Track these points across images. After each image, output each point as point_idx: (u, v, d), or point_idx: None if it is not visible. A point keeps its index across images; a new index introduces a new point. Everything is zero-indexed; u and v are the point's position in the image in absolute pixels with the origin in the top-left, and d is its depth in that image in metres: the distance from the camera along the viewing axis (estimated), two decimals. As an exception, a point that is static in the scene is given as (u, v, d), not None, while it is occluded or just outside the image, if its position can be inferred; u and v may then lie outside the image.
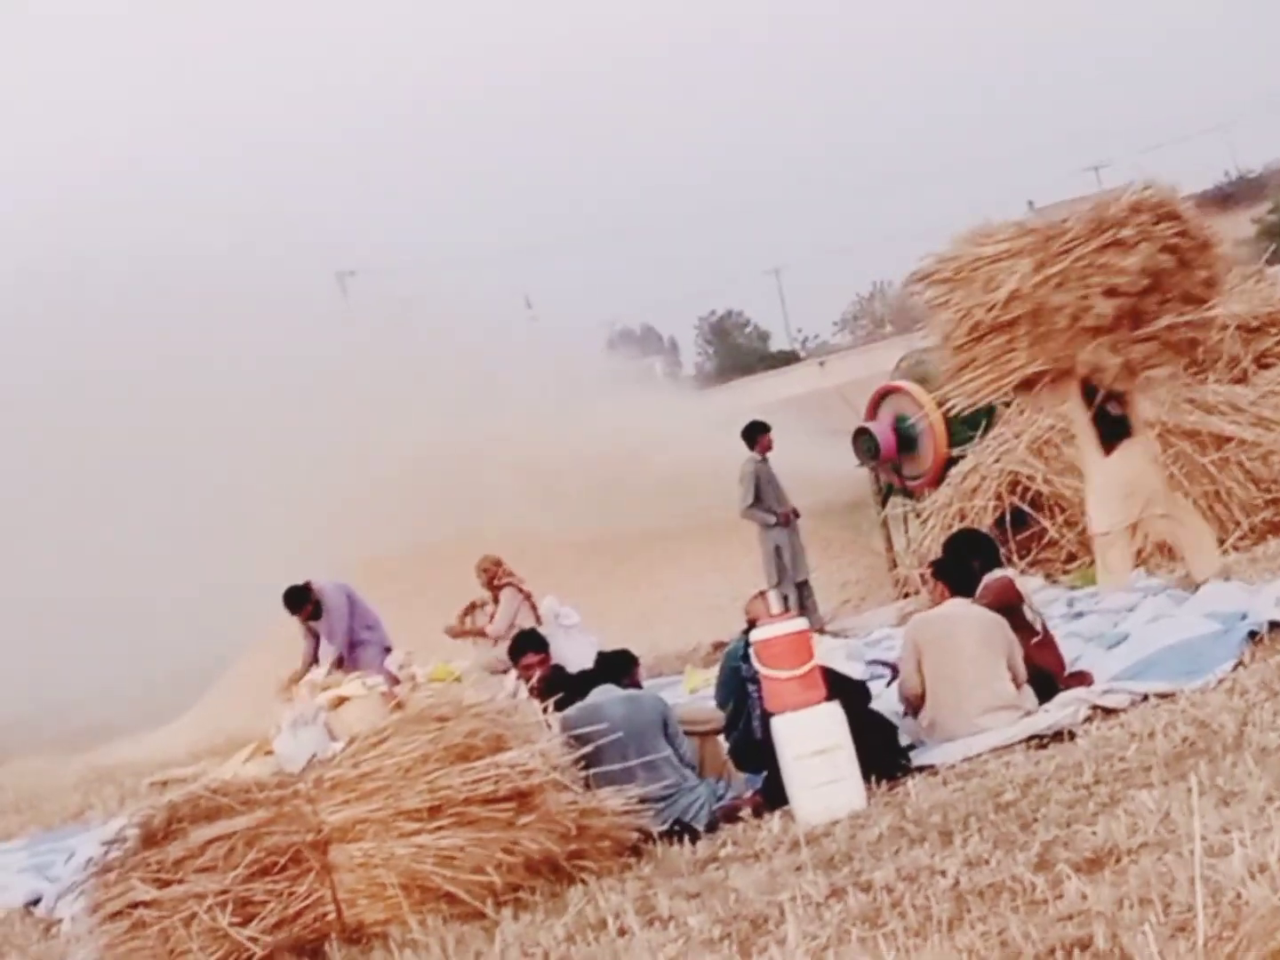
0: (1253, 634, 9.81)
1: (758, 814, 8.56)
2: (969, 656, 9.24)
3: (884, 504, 19.31)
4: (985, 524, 15.29)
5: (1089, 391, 12.65)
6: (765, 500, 16.86)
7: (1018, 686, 9.31)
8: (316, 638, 14.68)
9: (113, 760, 20.05)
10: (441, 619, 15.34)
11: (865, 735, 8.47)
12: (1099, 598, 12.73)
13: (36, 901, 10.90)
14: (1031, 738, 8.73)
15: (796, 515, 17.14)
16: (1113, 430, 12.73)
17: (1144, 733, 8.02)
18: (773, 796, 8.59)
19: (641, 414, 27.00)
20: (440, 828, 7.54)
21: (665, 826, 8.41)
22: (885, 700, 9.77)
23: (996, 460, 16.33)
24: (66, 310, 29.40)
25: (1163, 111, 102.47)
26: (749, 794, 8.89)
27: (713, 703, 9.98)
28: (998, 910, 5.58)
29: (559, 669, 10.69)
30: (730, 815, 8.65)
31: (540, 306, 42.82)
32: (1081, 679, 9.62)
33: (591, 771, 8.28)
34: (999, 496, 16.07)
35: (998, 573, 10.30)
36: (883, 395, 19.08)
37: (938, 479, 17.57)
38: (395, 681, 13.56)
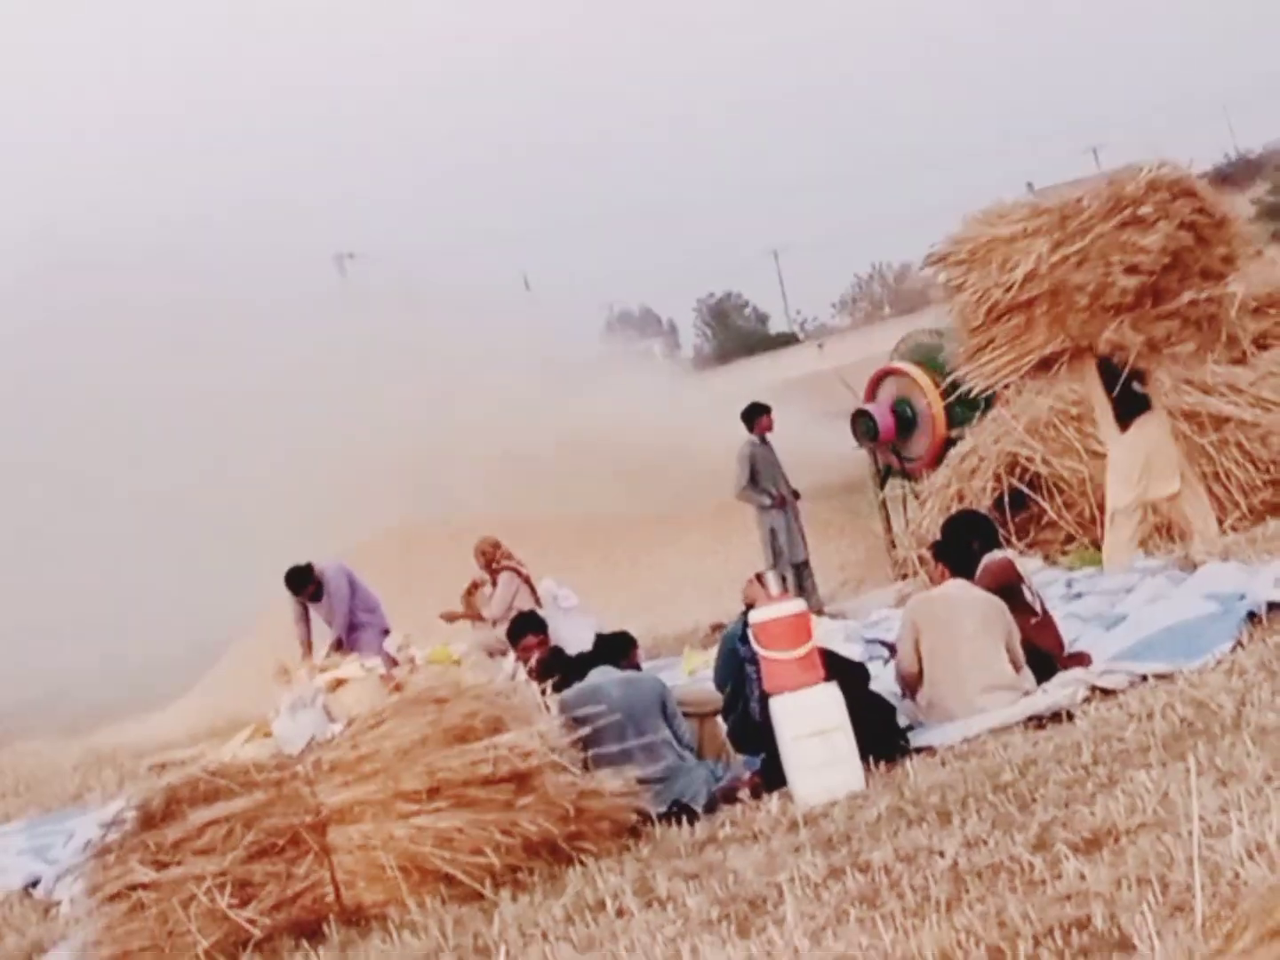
0: (1251, 615, 9.80)
1: (756, 795, 8.56)
2: (967, 637, 9.24)
3: (882, 485, 19.30)
4: (984, 505, 15.27)
5: (1107, 369, 12.66)
6: (761, 482, 16.83)
7: (1016, 670, 9.31)
8: (308, 623, 14.66)
9: (111, 743, 20.06)
10: (444, 601, 15.31)
11: (864, 716, 8.47)
12: (1097, 579, 12.73)
13: (35, 884, 10.90)
14: (1030, 718, 8.72)
15: (797, 497, 17.12)
16: (1129, 407, 12.76)
17: (1142, 713, 8.02)
18: (771, 778, 8.59)
19: (640, 396, 27.00)
20: (439, 809, 7.55)
21: (664, 808, 8.41)
22: (883, 681, 9.77)
23: (995, 441, 16.30)
24: (60, 296, 29.36)
25: (1161, 93, 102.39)
26: (747, 775, 8.88)
27: (711, 684, 9.98)
28: (996, 891, 5.58)
29: (558, 651, 10.69)
30: (729, 796, 8.65)
31: (539, 289, 42.76)
32: (1080, 660, 9.61)
33: (590, 753, 8.29)
34: (997, 478, 16.04)
35: (997, 554, 10.30)
36: (881, 377, 19.07)
37: (936, 460, 17.55)
38: (394, 664, 13.55)
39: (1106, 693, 8.89)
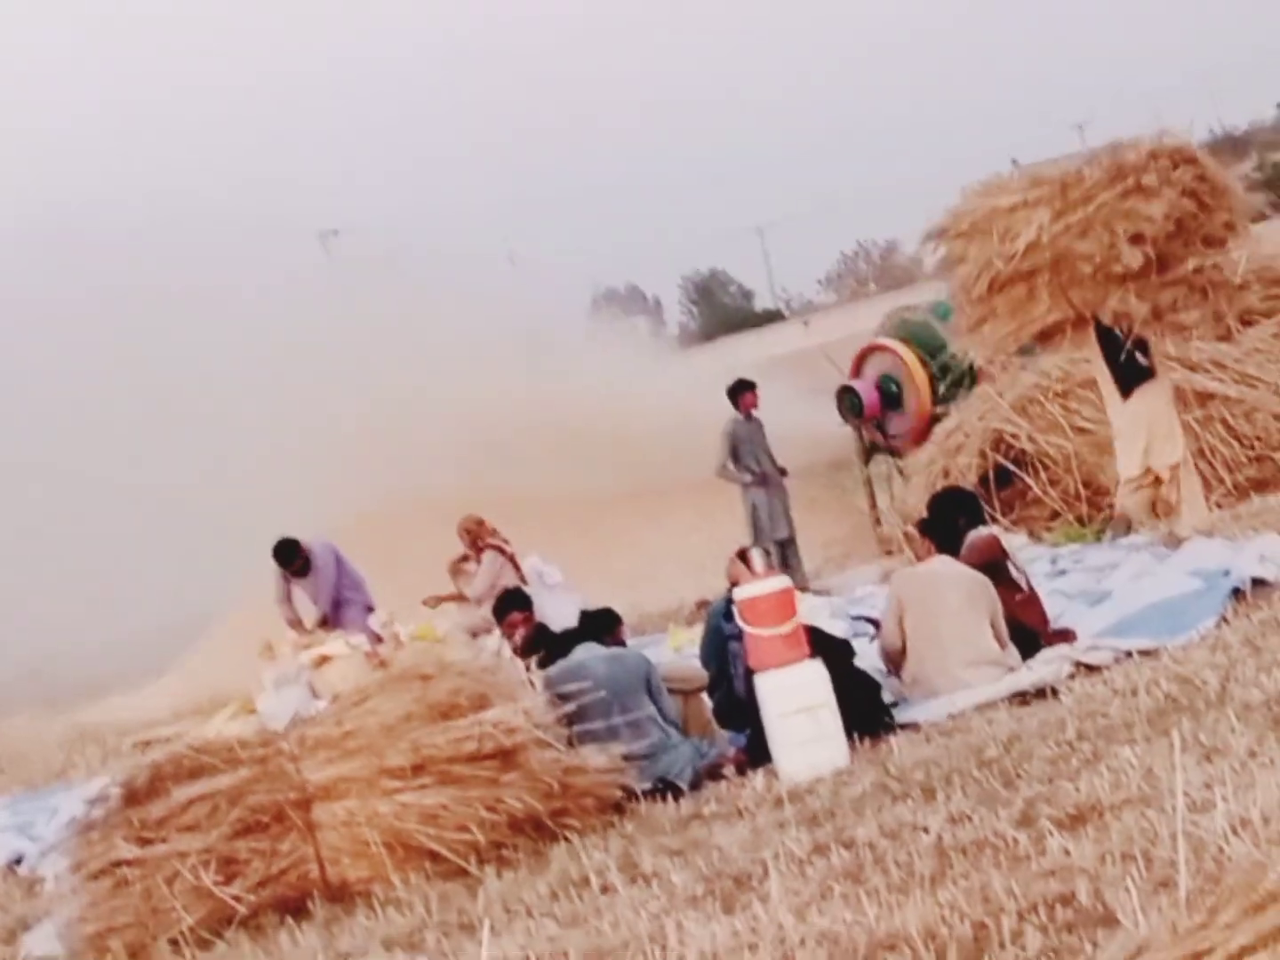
0: (1236, 591, 9.82)
1: (741, 772, 8.56)
2: (952, 611, 9.24)
3: (867, 462, 19.31)
4: (969, 482, 15.28)
5: (1109, 337, 12.67)
6: (743, 459, 16.78)
7: (1001, 646, 9.31)
8: (292, 604, 14.63)
9: (96, 719, 20.02)
10: (428, 580, 15.28)
11: (849, 692, 8.47)
12: (1082, 554, 12.75)
13: (19, 860, 10.88)
14: (1014, 695, 8.73)
15: (784, 474, 17.08)
16: (1132, 376, 12.78)
17: (1127, 689, 8.03)
18: (756, 754, 8.59)
19: (626, 373, 26.98)
20: (423, 786, 7.54)
21: (649, 784, 8.40)
22: (868, 658, 9.77)
23: (981, 418, 16.31)
24: (50, 270, 29.24)
25: (1145, 69, 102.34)
26: (732, 752, 8.88)
27: (697, 661, 9.98)
28: (980, 866, 5.59)
29: (542, 627, 10.66)
30: (714, 773, 8.65)
31: (524, 265, 42.62)
32: (1065, 636, 9.62)
33: (575, 729, 8.27)
34: (983, 454, 16.05)
35: (983, 530, 10.29)
36: (867, 353, 19.07)
37: (922, 437, 17.55)
38: (378, 640, 13.54)
39: (1091, 669, 8.90)
